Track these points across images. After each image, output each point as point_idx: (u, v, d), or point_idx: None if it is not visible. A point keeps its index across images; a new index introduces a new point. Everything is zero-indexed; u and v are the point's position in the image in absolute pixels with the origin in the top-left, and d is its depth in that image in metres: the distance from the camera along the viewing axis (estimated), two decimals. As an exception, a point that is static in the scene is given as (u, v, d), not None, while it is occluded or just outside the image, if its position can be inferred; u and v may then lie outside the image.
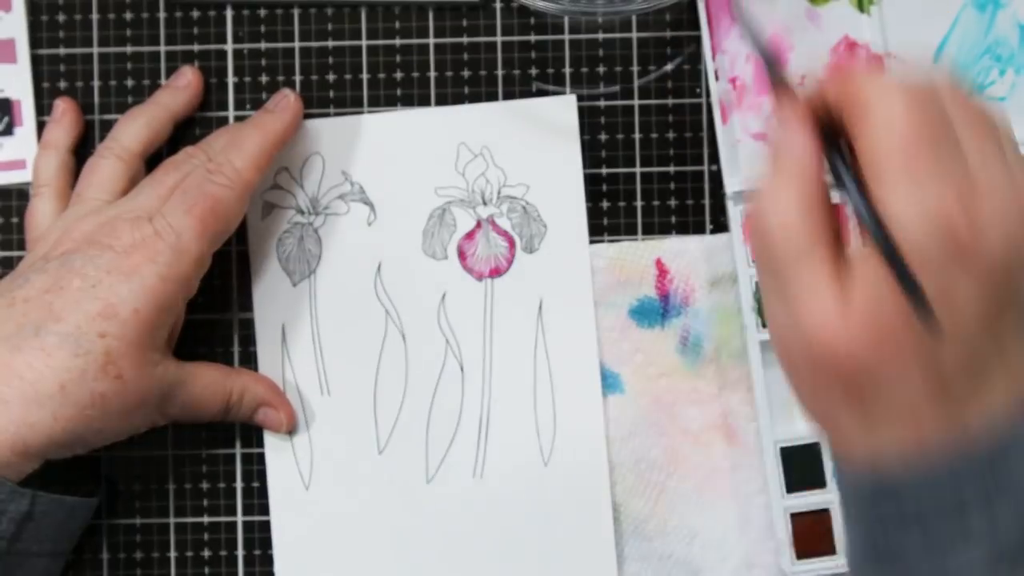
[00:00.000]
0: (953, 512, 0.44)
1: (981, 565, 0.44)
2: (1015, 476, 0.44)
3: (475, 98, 0.69)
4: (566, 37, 0.69)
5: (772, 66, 0.50)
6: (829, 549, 0.66)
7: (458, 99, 0.69)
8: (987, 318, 0.45)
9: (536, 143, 0.69)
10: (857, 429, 0.47)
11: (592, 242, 0.69)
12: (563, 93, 0.69)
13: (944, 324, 0.43)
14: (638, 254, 0.69)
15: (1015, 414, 0.45)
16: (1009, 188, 0.45)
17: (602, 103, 0.69)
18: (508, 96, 0.69)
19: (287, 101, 0.67)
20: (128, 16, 0.70)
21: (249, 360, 0.69)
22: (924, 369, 0.45)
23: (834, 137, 0.47)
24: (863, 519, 0.47)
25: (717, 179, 0.69)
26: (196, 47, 0.70)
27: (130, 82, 0.70)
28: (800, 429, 0.67)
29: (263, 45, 0.70)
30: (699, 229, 0.69)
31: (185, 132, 0.69)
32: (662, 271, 0.69)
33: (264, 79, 0.70)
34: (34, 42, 0.70)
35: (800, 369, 0.48)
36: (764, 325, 0.67)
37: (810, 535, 0.67)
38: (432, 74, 0.69)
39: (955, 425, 0.45)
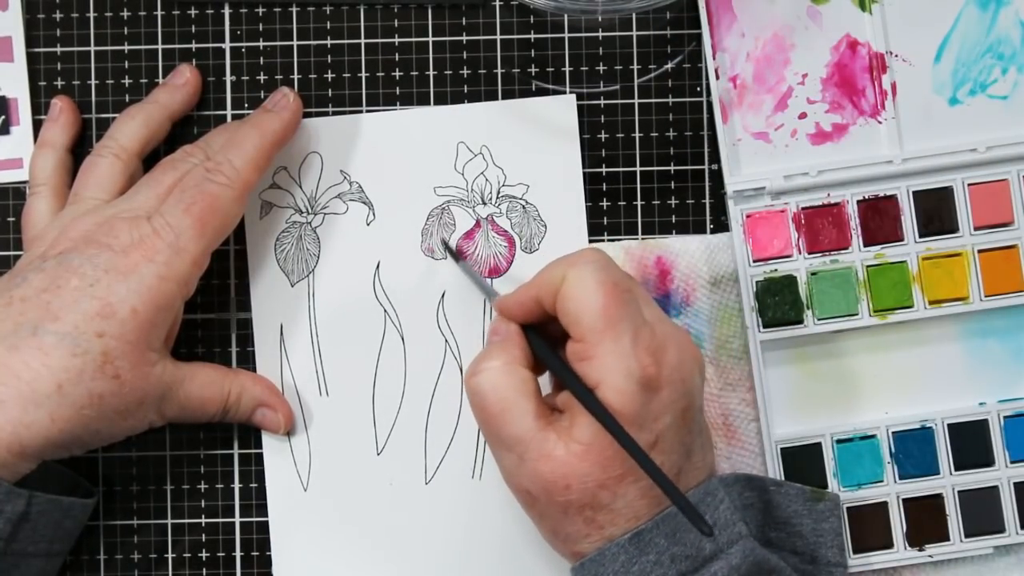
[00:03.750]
0: (685, 536, 0.57)
1: None
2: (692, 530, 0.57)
3: (474, 97, 0.69)
4: (566, 35, 0.69)
5: (487, 292, 0.66)
6: (830, 550, 0.66)
7: (457, 98, 0.69)
8: (680, 432, 0.57)
9: (536, 142, 0.69)
10: (587, 535, 0.57)
11: (592, 242, 0.69)
12: (563, 92, 0.69)
13: (655, 442, 0.56)
14: (638, 254, 0.68)
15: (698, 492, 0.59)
16: (678, 337, 0.58)
17: (602, 102, 0.69)
18: (507, 95, 0.69)
19: (286, 100, 0.67)
20: (125, 14, 0.69)
21: (247, 360, 0.69)
22: (643, 477, 0.56)
23: (538, 327, 0.60)
24: None
25: (718, 178, 0.69)
26: (194, 45, 0.69)
27: (127, 80, 0.70)
28: (800, 429, 0.67)
29: (261, 43, 0.69)
30: (699, 229, 0.69)
31: (183, 131, 0.69)
32: (663, 271, 0.68)
33: (262, 78, 0.69)
34: (31, 40, 0.69)
35: (539, 502, 0.58)
36: (765, 326, 0.67)
37: (811, 536, 0.67)
38: (431, 73, 0.69)
39: (662, 507, 0.58)
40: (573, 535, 0.58)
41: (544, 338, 0.60)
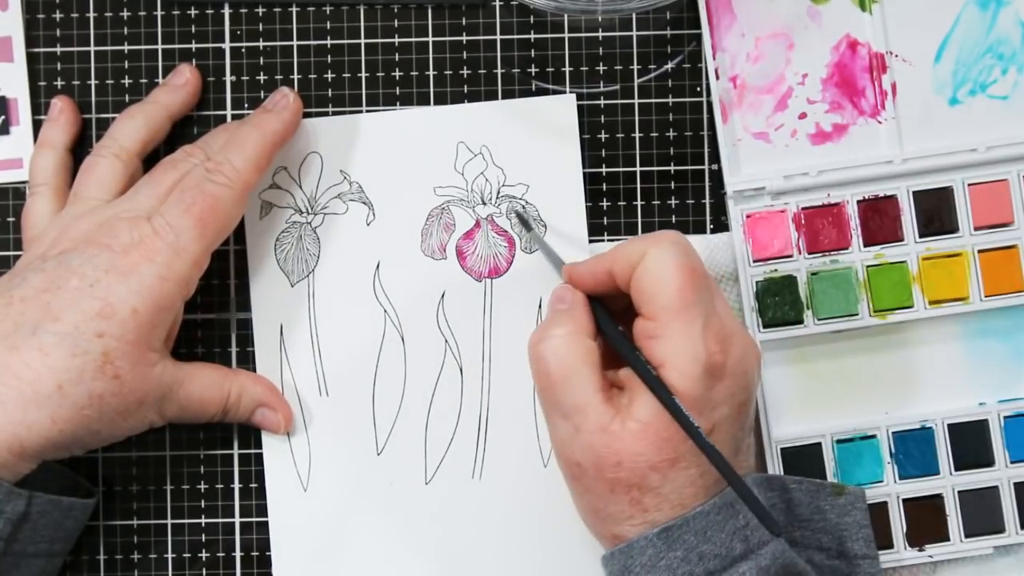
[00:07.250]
0: (716, 535, 0.57)
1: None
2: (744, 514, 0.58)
3: (474, 97, 0.69)
4: (566, 36, 0.69)
5: (556, 261, 0.65)
6: (830, 550, 0.66)
7: (457, 98, 0.69)
8: (733, 426, 0.58)
9: (536, 142, 0.69)
10: (630, 517, 0.57)
11: (592, 242, 0.69)
12: (563, 92, 0.69)
13: (711, 431, 0.57)
14: (638, 254, 0.68)
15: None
16: (744, 333, 0.59)
17: (602, 102, 0.69)
18: (507, 95, 0.69)
19: (286, 100, 0.67)
20: (125, 14, 0.69)
21: (247, 360, 0.69)
22: (694, 465, 0.57)
23: (602, 302, 0.60)
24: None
25: (717, 178, 0.69)
26: (194, 45, 0.69)
27: (127, 81, 0.70)
28: (800, 429, 0.67)
29: (261, 44, 0.69)
30: (699, 229, 0.69)
31: (183, 131, 0.69)
32: (662, 271, 0.68)
33: (262, 78, 0.69)
34: (30, 40, 0.69)
35: (587, 476, 0.58)
36: (765, 326, 0.67)
37: (811, 536, 0.67)
38: (431, 73, 0.69)
39: (708, 497, 0.57)
40: (615, 515, 0.58)
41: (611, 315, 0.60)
